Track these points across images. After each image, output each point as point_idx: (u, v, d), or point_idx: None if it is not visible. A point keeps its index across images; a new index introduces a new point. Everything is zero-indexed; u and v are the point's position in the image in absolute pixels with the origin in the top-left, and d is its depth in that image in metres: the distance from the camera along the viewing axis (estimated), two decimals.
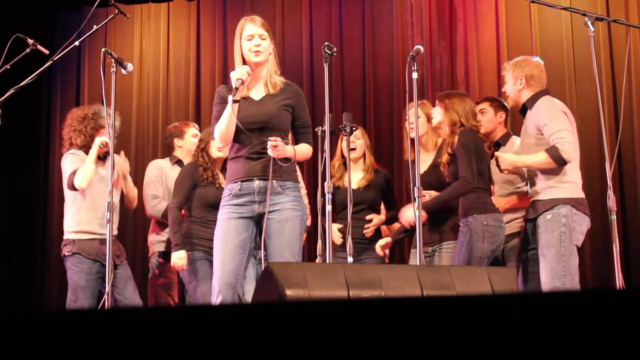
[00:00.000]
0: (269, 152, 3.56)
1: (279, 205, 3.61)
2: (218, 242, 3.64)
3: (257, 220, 3.66)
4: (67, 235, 4.63)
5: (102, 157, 4.64)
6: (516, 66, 4.29)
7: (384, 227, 4.93)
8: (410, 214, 4.28)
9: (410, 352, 1.10)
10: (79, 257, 4.53)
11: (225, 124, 3.61)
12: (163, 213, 4.92)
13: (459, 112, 4.30)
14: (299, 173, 4.90)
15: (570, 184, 4.10)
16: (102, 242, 4.49)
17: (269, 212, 3.60)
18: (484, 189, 4.28)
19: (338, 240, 4.64)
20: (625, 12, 5.89)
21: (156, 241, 5.05)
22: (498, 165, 4.20)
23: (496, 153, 4.25)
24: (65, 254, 4.59)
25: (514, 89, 4.29)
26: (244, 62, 3.71)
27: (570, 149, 4.00)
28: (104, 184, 4.57)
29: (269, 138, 3.56)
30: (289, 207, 3.60)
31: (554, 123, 4.06)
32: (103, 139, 4.55)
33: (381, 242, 4.66)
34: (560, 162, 4.01)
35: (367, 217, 4.73)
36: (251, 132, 3.62)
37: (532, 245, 4.18)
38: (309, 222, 4.86)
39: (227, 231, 3.62)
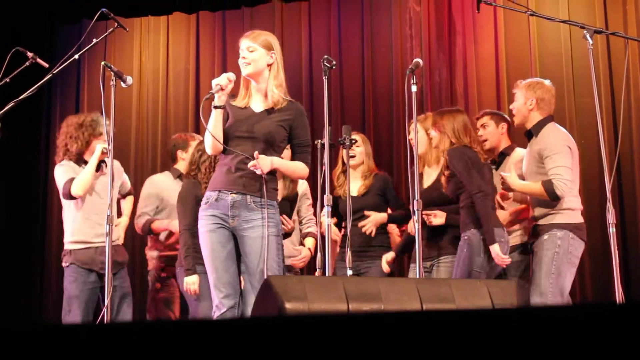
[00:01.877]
0: (256, 171, 3.56)
1: (253, 223, 3.59)
2: (207, 258, 3.64)
3: (233, 234, 3.65)
4: (66, 245, 4.65)
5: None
6: (529, 87, 4.37)
7: (392, 229, 4.92)
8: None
9: None
10: (75, 267, 4.54)
11: (210, 130, 3.62)
12: (143, 227, 4.93)
13: (449, 133, 4.32)
14: (306, 185, 4.88)
15: (569, 210, 4.18)
16: (97, 250, 4.51)
17: (244, 228, 3.59)
18: None
19: (335, 236, 4.61)
20: (623, 25, 5.91)
21: (157, 256, 5.02)
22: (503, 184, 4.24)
23: (502, 174, 4.28)
24: (63, 265, 4.62)
25: (524, 108, 4.35)
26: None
27: (565, 186, 4.10)
28: (97, 192, 4.60)
29: (251, 164, 3.55)
30: (262, 224, 3.56)
31: (555, 157, 4.15)
32: (104, 145, 4.49)
33: (387, 256, 4.66)
34: (552, 197, 4.12)
35: (365, 213, 4.68)
36: (241, 140, 3.63)
37: None
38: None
39: (212, 245, 3.62)
